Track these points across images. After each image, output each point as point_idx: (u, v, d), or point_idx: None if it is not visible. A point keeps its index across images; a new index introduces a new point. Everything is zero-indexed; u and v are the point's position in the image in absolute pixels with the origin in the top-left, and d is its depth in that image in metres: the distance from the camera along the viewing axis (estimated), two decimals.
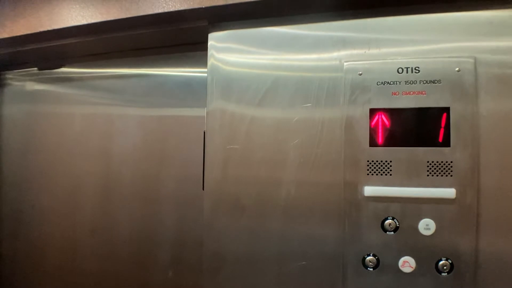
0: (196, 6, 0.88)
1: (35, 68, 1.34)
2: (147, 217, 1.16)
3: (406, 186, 0.79)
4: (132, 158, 1.18)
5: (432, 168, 0.78)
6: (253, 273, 0.89)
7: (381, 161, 0.81)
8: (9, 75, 1.40)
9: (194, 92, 1.12)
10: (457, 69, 0.78)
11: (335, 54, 0.86)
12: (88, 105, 1.26)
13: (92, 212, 1.23)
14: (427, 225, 0.78)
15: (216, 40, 0.95)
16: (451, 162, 0.77)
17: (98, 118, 1.24)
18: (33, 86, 1.35)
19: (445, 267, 0.77)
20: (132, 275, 1.17)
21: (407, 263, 0.79)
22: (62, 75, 1.31)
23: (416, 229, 0.78)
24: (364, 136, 0.82)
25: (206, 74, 0.95)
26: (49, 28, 1.04)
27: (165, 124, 1.16)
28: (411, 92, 0.80)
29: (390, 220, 0.80)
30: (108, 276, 1.20)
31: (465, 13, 0.80)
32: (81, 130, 1.26)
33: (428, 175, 0.78)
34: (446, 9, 0.81)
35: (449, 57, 0.79)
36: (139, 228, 1.17)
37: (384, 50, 0.84)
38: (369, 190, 0.81)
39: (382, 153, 0.81)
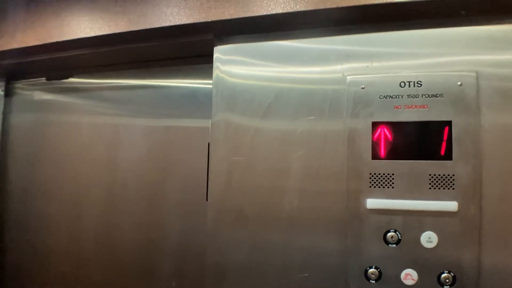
0: (202, 20, 0.90)
1: (44, 78, 1.36)
2: (151, 225, 1.17)
3: (408, 199, 0.80)
4: (137, 168, 1.19)
5: (434, 181, 0.79)
6: (256, 283, 0.89)
7: (384, 174, 0.81)
8: (18, 84, 1.42)
9: (199, 103, 1.13)
10: (459, 83, 0.79)
11: (338, 67, 0.88)
12: (94, 115, 1.28)
13: (97, 221, 1.24)
14: (429, 238, 0.78)
15: (221, 52, 0.97)
16: (453, 175, 0.78)
17: (104, 127, 1.26)
18: (41, 95, 1.37)
19: (447, 280, 0.77)
20: (136, 284, 1.17)
21: (409, 276, 0.79)
22: (70, 86, 1.33)
23: (418, 242, 0.79)
24: (366, 149, 0.83)
25: (211, 86, 0.97)
26: (58, 40, 1.06)
27: (170, 134, 1.17)
28: (413, 106, 0.81)
29: (392, 233, 0.80)
30: (112, 284, 1.20)
31: (467, 28, 0.81)
32: (87, 140, 1.27)
33: (430, 188, 0.79)
34: (448, 24, 0.82)
35: (451, 71, 0.80)
36: (143, 236, 1.17)
37: (386, 64, 0.85)
38: (372, 203, 0.81)
39: (385, 166, 0.81)
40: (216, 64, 0.97)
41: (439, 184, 0.78)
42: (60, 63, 1.23)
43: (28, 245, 1.34)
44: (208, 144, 0.95)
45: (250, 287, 0.89)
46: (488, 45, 0.80)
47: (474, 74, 0.79)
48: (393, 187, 0.81)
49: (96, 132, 1.26)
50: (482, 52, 0.80)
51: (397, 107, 0.82)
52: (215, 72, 0.96)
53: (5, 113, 1.41)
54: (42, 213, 1.33)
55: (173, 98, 1.18)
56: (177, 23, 0.92)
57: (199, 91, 1.14)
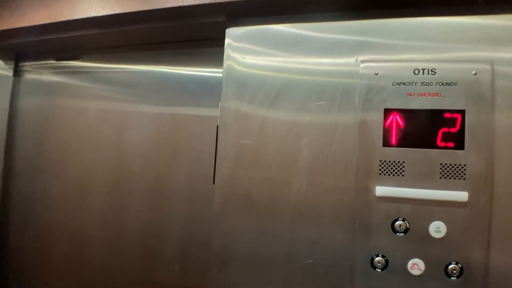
0: (216, 0, 0.89)
1: (52, 60, 1.36)
2: (155, 211, 1.17)
3: (418, 188, 0.79)
4: (143, 153, 1.19)
5: (445, 171, 0.78)
6: (260, 269, 0.88)
7: (394, 162, 0.80)
8: (26, 67, 1.42)
9: (210, 89, 1.13)
10: (473, 72, 0.78)
11: (352, 53, 0.86)
12: (101, 99, 1.27)
13: (103, 205, 1.23)
14: (437, 227, 0.77)
15: (232, 38, 0.96)
16: (465, 165, 0.77)
17: (111, 112, 1.25)
18: (49, 78, 1.37)
19: (454, 271, 0.76)
20: (139, 268, 1.17)
21: (416, 266, 0.78)
22: (78, 70, 1.32)
23: (427, 231, 0.78)
24: (377, 135, 0.82)
25: (220, 73, 0.96)
26: (69, 18, 1.05)
27: (177, 121, 1.17)
28: (427, 94, 0.80)
29: (401, 221, 0.79)
30: (116, 268, 1.20)
31: (484, 17, 0.80)
32: (94, 123, 1.27)
33: (440, 177, 0.78)
34: (465, 13, 0.81)
35: (466, 60, 0.79)
36: (148, 221, 1.17)
37: (401, 51, 0.84)
38: (381, 190, 0.80)
39: (395, 153, 0.80)
40: (227, 50, 0.96)
41: (450, 173, 0.77)
42: (70, 43, 1.23)
43: (33, 226, 1.34)
44: (217, 127, 0.94)
45: (255, 272, 0.89)
46: (504, 35, 0.78)
47: (489, 64, 0.78)
48: (403, 175, 0.80)
49: (103, 116, 1.26)
50: (498, 42, 0.78)
51: (410, 95, 0.80)
52: (226, 59, 0.95)
53: (13, 95, 1.41)
54: (48, 195, 1.32)
55: (181, 83, 1.17)
56: (190, 3, 0.91)
57: (209, 77, 1.14)
